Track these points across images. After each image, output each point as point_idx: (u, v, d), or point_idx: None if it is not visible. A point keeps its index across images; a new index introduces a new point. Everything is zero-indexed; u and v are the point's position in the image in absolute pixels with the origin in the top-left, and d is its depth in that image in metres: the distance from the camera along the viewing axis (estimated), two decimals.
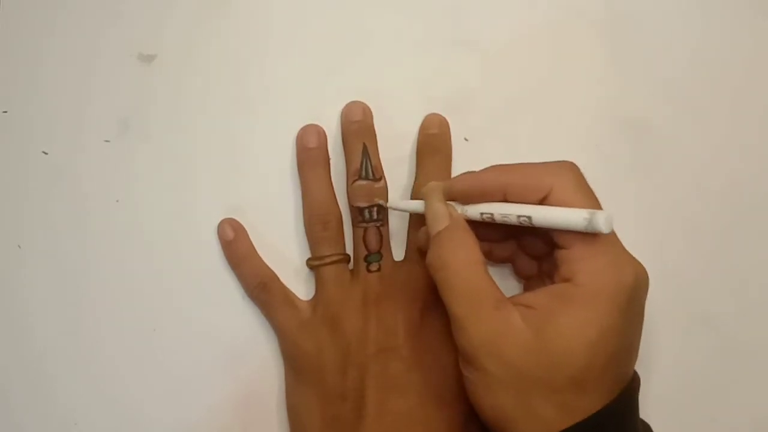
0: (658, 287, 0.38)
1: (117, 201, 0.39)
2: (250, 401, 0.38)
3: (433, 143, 0.38)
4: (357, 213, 0.37)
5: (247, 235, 0.38)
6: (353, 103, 0.39)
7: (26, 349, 0.38)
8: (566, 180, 0.30)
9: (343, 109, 0.39)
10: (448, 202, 0.33)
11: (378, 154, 0.38)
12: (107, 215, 0.39)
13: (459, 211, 0.32)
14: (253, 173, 0.39)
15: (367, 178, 0.37)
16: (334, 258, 0.37)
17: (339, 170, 0.39)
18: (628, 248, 0.30)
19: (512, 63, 0.40)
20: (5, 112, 0.39)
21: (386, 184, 0.37)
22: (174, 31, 0.40)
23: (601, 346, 0.28)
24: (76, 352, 0.38)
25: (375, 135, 0.38)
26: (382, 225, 0.37)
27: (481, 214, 0.31)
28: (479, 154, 0.39)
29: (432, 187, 0.33)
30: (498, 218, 0.31)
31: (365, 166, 0.37)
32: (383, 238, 0.37)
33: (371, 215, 0.37)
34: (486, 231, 0.33)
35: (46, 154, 0.39)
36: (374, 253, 0.37)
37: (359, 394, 0.35)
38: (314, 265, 0.37)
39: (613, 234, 0.30)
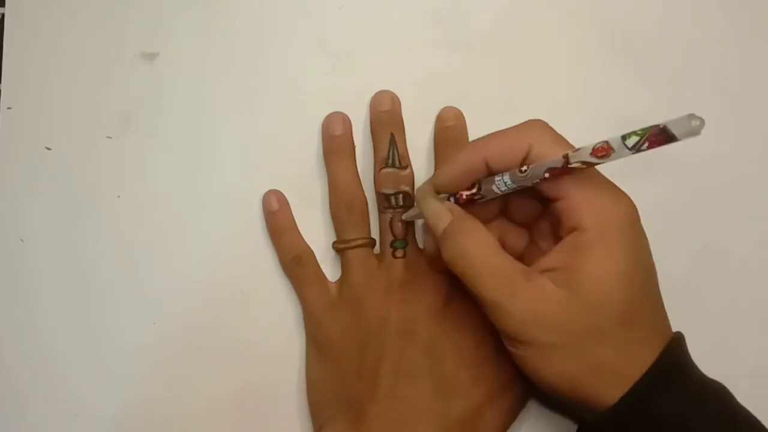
0: None
1: (118, 197, 0.39)
2: (249, 392, 0.37)
3: (450, 135, 0.38)
4: (383, 199, 0.37)
5: (290, 209, 0.38)
6: (382, 92, 0.39)
7: (28, 342, 0.37)
8: (541, 135, 0.31)
9: (372, 98, 0.39)
10: (441, 195, 0.33)
11: (405, 143, 0.38)
12: (109, 211, 0.38)
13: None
14: (258, 165, 0.39)
15: (393, 166, 0.37)
16: (360, 242, 0.37)
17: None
18: None
19: (510, 62, 0.40)
20: (9, 108, 0.39)
21: (413, 172, 0.37)
22: (177, 29, 0.40)
23: (631, 274, 0.29)
24: (77, 345, 0.37)
25: (402, 124, 0.38)
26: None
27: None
28: None
29: (423, 190, 0.33)
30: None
31: (392, 154, 0.37)
32: (409, 225, 0.37)
33: (397, 201, 0.37)
34: (475, 215, 0.33)
35: (49, 149, 0.39)
36: (400, 239, 0.37)
37: (374, 376, 0.34)
38: (340, 248, 0.37)
39: (596, 170, 0.30)
